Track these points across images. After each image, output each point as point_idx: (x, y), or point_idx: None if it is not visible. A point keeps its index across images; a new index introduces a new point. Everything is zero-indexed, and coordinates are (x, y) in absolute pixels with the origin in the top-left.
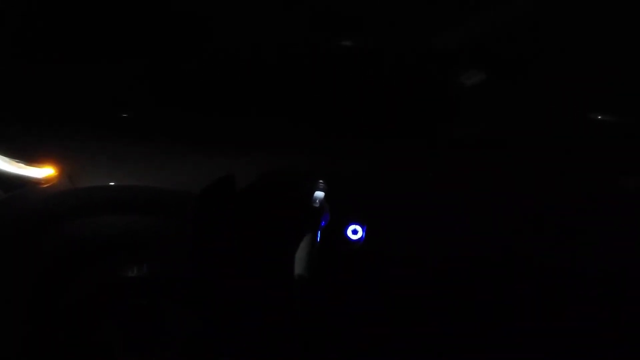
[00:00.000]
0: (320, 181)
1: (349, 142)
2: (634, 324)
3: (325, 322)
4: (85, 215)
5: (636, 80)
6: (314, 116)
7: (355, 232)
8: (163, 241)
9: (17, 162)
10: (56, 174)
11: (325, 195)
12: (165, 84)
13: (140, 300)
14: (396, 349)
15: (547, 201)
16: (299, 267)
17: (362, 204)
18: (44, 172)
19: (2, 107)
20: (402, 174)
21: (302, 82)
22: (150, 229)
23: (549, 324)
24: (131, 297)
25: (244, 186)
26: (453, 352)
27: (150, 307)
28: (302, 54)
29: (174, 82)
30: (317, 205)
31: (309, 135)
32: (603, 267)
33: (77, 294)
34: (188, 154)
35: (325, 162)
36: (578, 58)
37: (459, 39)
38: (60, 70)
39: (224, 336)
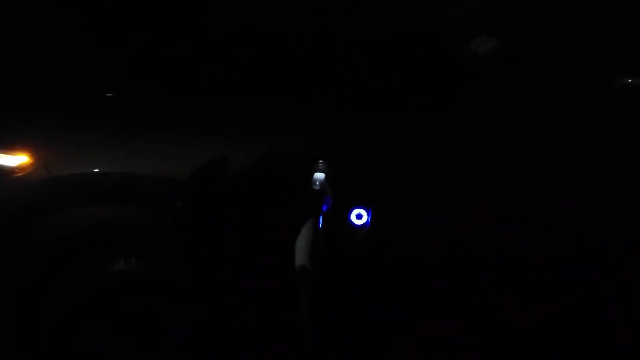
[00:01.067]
0: (320, 162)
1: (351, 120)
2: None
3: (332, 318)
4: (66, 206)
5: None
6: (314, 94)
7: (359, 216)
8: (153, 234)
9: None
10: (31, 161)
11: (326, 177)
12: (150, 65)
13: (131, 298)
14: (401, 345)
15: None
16: (300, 257)
17: (366, 185)
18: (18, 160)
19: None
20: (410, 153)
21: (301, 59)
22: (139, 221)
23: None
24: (121, 296)
25: (239, 169)
26: (464, 350)
27: (142, 306)
28: (300, 31)
29: (160, 62)
30: (317, 188)
31: (308, 114)
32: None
33: (64, 291)
34: (179, 137)
35: (326, 141)
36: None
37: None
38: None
39: (222, 335)
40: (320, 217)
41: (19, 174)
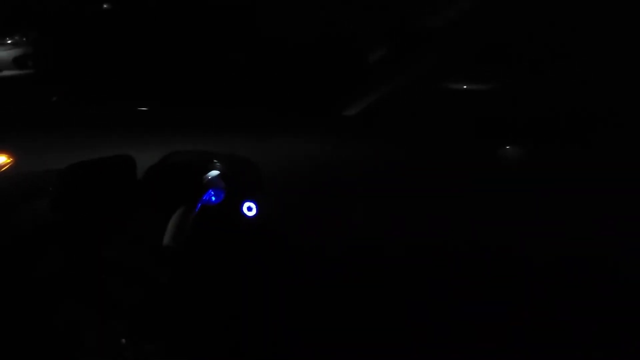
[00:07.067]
0: (215, 160)
1: (242, 122)
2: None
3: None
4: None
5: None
6: (211, 98)
7: (250, 209)
8: None
9: None
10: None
11: (220, 174)
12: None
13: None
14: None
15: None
16: (166, 236)
17: (254, 182)
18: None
19: None
20: (296, 151)
21: (203, 66)
22: None
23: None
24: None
25: (145, 168)
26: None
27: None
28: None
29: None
30: (205, 181)
31: (206, 118)
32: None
33: (41, 272)
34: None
35: (221, 142)
36: None
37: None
38: None
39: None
40: (198, 205)
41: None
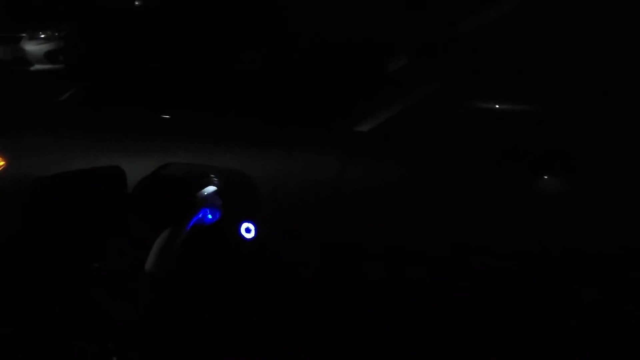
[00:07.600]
0: (212, 175)
1: (243, 131)
2: None
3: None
4: None
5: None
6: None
7: (248, 230)
8: None
9: None
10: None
11: (217, 191)
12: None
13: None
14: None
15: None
16: (149, 261)
17: (254, 201)
18: None
19: None
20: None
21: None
22: None
23: None
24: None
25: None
26: None
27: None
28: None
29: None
30: (199, 198)
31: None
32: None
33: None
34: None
35: (222, 153)
36: None
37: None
38: None
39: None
40: (189, 225)
41: None
